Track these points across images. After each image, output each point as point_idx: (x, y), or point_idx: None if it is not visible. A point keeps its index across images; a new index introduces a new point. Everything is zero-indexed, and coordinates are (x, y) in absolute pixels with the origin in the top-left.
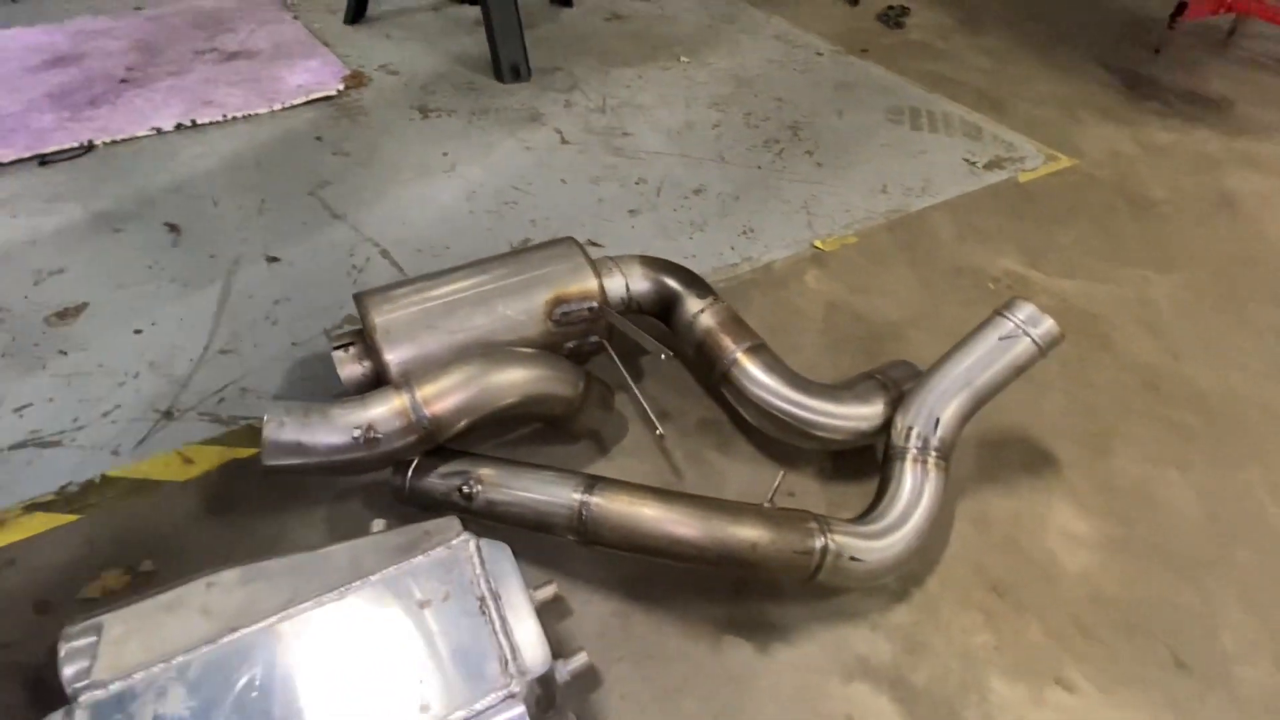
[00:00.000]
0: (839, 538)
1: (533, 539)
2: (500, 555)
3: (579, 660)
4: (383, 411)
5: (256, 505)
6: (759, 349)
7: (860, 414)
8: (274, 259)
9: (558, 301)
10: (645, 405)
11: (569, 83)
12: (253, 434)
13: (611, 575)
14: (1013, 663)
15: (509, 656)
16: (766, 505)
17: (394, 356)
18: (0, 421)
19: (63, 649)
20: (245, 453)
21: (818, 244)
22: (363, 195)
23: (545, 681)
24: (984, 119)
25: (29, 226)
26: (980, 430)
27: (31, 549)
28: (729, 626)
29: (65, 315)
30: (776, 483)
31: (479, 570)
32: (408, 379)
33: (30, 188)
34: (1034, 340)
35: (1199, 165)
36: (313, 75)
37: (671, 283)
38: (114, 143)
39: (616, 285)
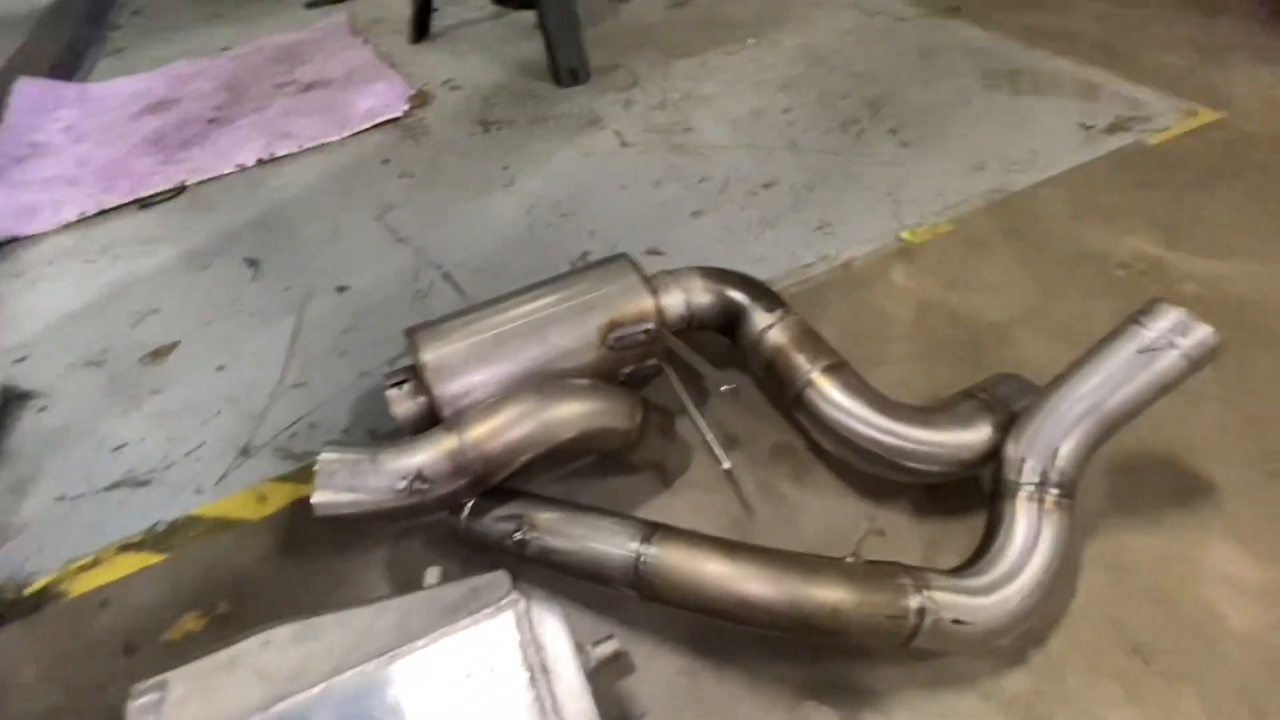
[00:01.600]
0: (939, 595)
1: (594, 586)
2: (551, 620)
3: None
4: (431, 455)
5: (322, 545)
6: (837, 368)
7: (960, 441)
8: (343, 288)
9: (612, 326)
10: (708, 436)
11: (629, 80)
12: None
13: (679, 629)
14: None
15: None
16: (850, 559)
17: (445, 392)
18: (99, 462)
19: (130, 708)
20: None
21: (905, 235)
22: (426, 217)
23: None
24: (1101, 73)
25: (129, 269)
26: (1114, 451)
27: (123, 589)
28: (810, 691)
29: (159, 354)
30: (862, 534)
31: (528, 637)
32: (458, 419)
33: (131, 230)
34: (1183, 353)
35: None
36: (380, 99)
37: (736, 295)
38: (203, 182)
39: (675, 302)
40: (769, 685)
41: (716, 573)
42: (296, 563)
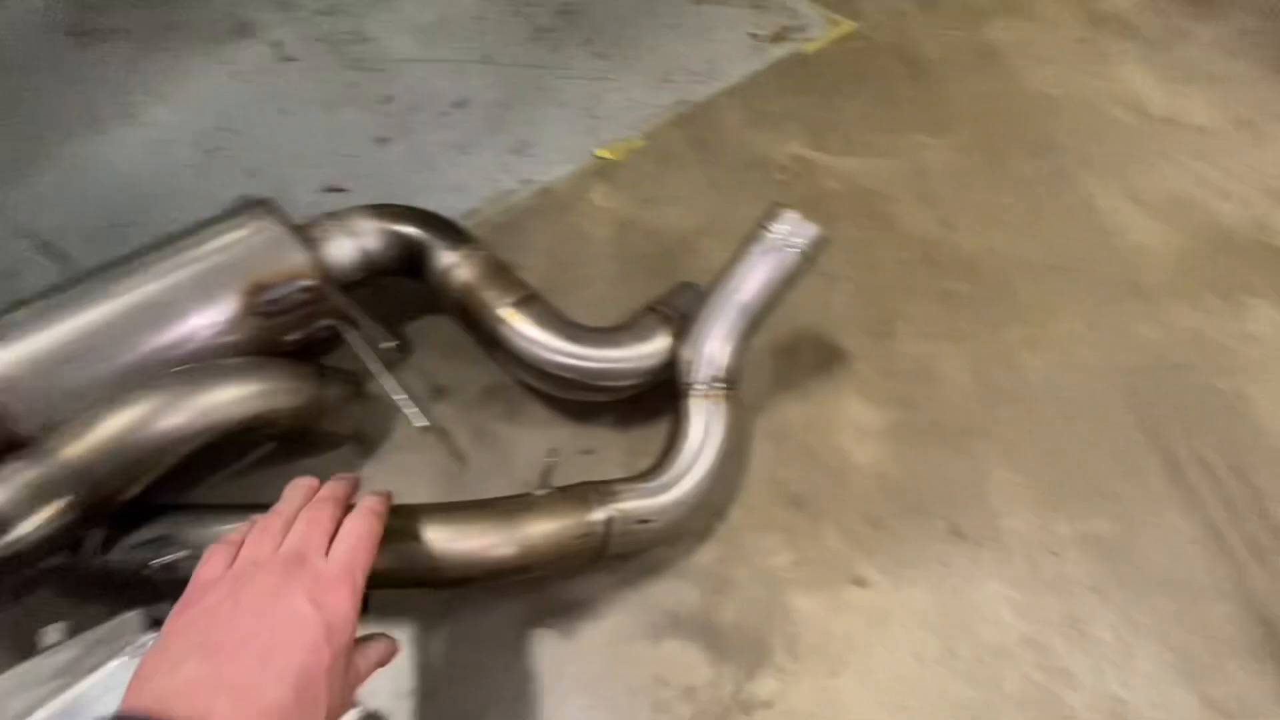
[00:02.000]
0: (624, 503)
1: None
2: None
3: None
4: (7, 494)
5: None
6: (528, 300)
7: (642, 354)
8: None
9: (259, 289)
10: (396, 396)
11: None
12: None
13: (409, 608)
14: (811, 576)
15: None
16: (540, 492)
17: (21, 414)
18: None
19: None
20: None
21: (602, 153)
22: (9, 167)
23: None
24: None
25: None
26: (775, 336)
27: None
28: (532, 620)
29: None
30: (545, 467)
31: None
32: (50, 438)
33: None
34: (801, 250)
35: (967, 17)
36: None
37: (413, 233)
38: None
39: (343, 250)
40: (493, 630)
41: (406, 546)
42: None
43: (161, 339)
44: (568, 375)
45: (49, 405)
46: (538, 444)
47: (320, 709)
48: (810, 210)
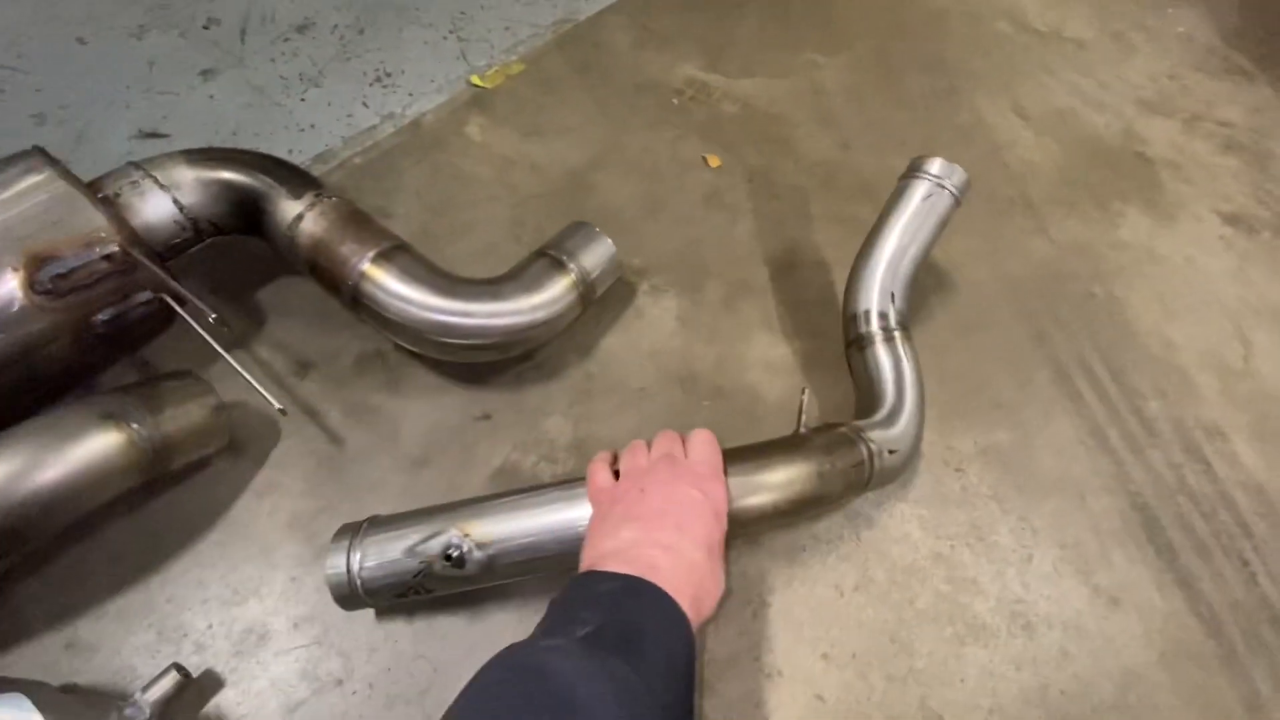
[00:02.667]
0: (873, 435)
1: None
2: (20, 708)
3: None
4: None
5: None
6: (392, 252)
7: (532, 304)
8: None
9: (40, 261)
10: (250, 380)
11: None
12: None
13: (268, 602)
14: None
15: None
16: (803, 431)
17: None
18: None
19: None
20: None
21: (476, 80)
22: None
23: None
24: None
25: None
26: (679, 278)
27: None
28: (428, 613)
29: None
30: (803, 403)
31: None
32: None
33: None
34: (951, 192)
35: None
36: None
37: (245, 180)
38: None
39: (157, 207)
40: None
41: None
42: None
43: None
44: (445, 337)
45: None
46: (427, 411)
47: (719, 573)
48: (708, 137)
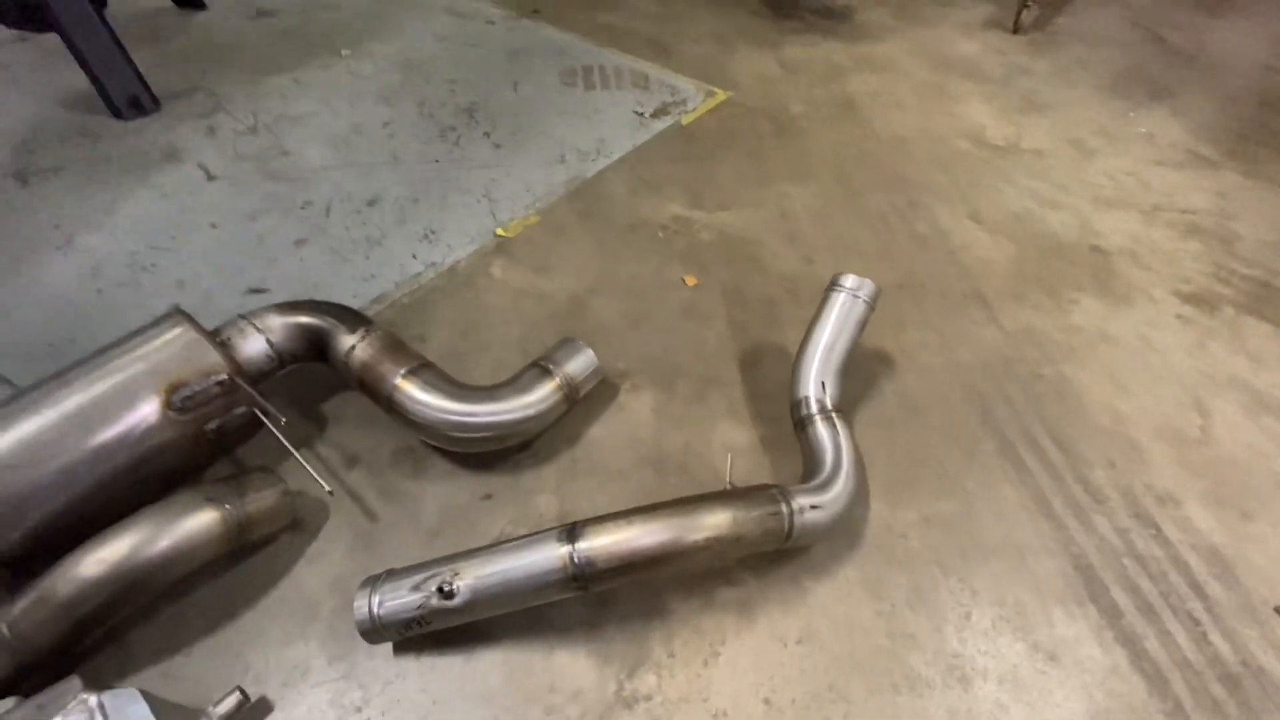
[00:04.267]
0: (797, 498)
1: (217, 641)
2: (127, 702)
3: None
4: None
5: None
6: (418, 370)
7: (525, 403)
8: None
9: (176, 388)
10: (310, 469)
11: (210, 104)
12: None
13: (308, 644)
14: (686, 580)
15: None
16: (729, 487)
17: None
18: None
19: None
20: None
21: (500, 231)
22: None
23: None
24: (651, 66)
25: None
26: (651, 377)
27: None
28: (432, 652)
29: None
30: (730, 463)
31: None
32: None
33: None
34: (865, 300)
35: (828, 75)
36: None
37: (316, 323)
38: None
39: (255, 346)
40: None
41: (642, 538)
42: None
43: (94, 442)
44: (457, 432)
45: (20, 532)
46: (441, 494)
47: None
48: (688, 261)
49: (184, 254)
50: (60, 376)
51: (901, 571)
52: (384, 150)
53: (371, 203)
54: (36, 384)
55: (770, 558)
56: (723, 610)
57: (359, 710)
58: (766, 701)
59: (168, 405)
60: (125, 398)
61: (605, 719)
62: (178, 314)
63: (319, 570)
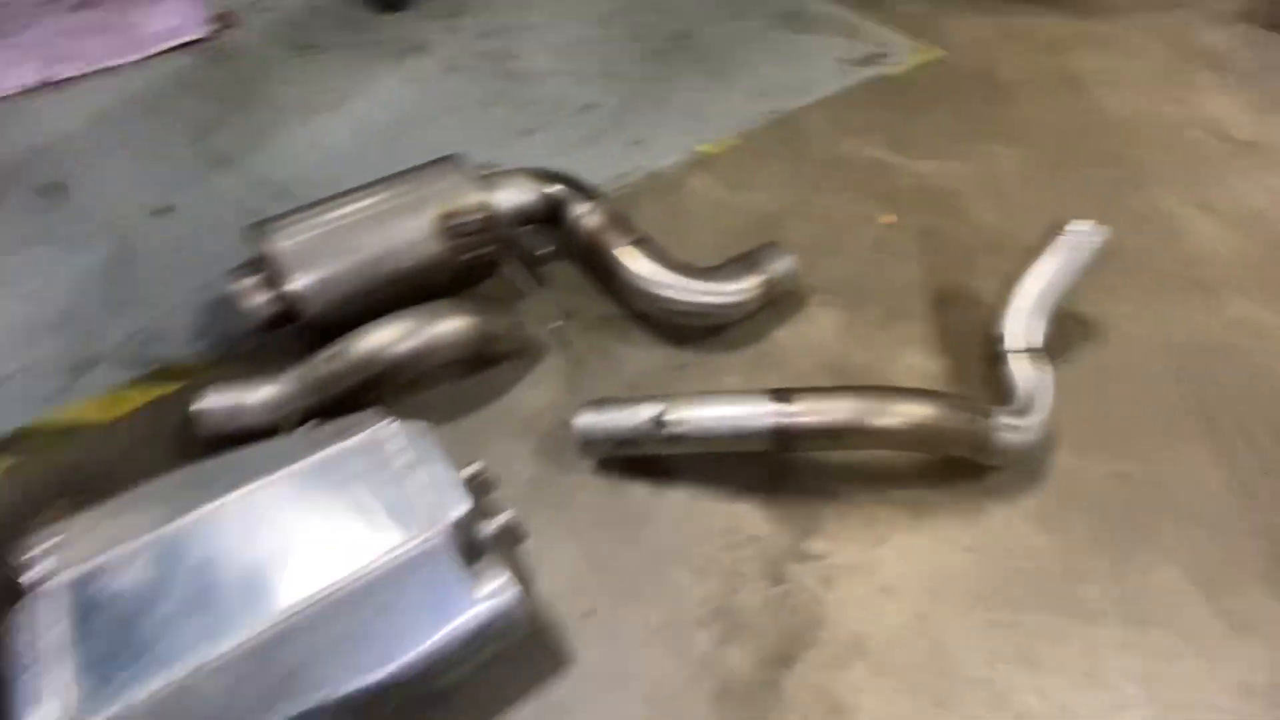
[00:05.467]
0: (996, 416)
1: (453, 430)
2: (421, 430)
3: (504, 517)
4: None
5: (184, 438)
6: (640, 242)
7: (732, 289)
8: (164, 210)
9: (448, 216)
10: (549, 304)
11: (453, 7)
12: (171, 373)
13: (523, 450)
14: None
15: (431, 505)
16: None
17: (297, 281)
18: None
19: (24, 554)
20: (166, 389)
21: (702, 148)
22: (246, 141)
23: (469, 532)
24: (860, 17)
25: None
26: (843, 297)
27: None
28: (626, 478)
29: None
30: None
31: (403, 444)
32: (332, 350)
33: None
34: (1093, 246)
35: (1050, 46)
36: (175, 19)
37: (556, 190)
38: None
39: (504, 197)
40: (596, 477)
41: (848, 413)
42: (159, 452)
43: (385, 242)
44: (669, 303)
45: (314, 283)
46: (640, 358)
47: None
48: (884, 202)
49: (429, 129)
50: (365, 188)
51: (1083, 515)
52: (600, 64)
53: (588, 107)
54: (339, 194)
55: (948, 474)
56: (895, 507)
57: (556, 491)
58: (932, 592)
59: (439, 229)
60: (411, 213)
61: (779, 563)
62: (457, 157)
63: (535, 395)
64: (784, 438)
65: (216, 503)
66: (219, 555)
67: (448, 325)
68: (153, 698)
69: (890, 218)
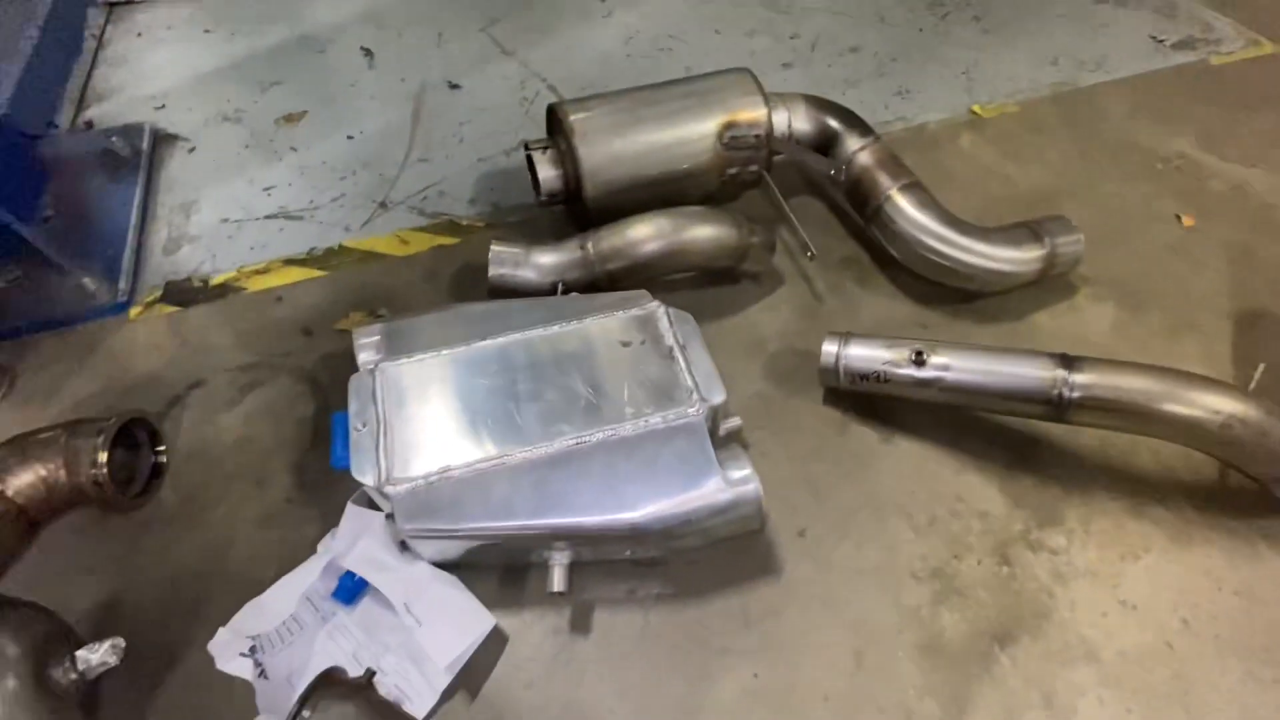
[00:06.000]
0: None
1: None
2: (687, 319)
3: (734, 421)
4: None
5: (459, 281)
6: (913, 186)
7: (1011, 257)
8: (455, 86)
9: (729, 125)
10: (801, 231)
11: None
12: (453, 227)
13: (752, 367)
14: (1125, 483)
15: (692, 387)
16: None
17: (588, 158)
18: (254, 197)
19: (357, 341)
20: (448, 240)
21: (976, 109)
22: (529, 35)
23: (715, 415)
24: None
25: (247, 44)
26: (1122, 295)
27: (293, 291)
28: (856, 418)
29: (291, 119)
30: (1257, 373)
31: (669, 326)
32: (594, 236)
33: (245, 5)
34: None
35: None
36: None
37: (834, 122)
38: None
39: (781, 119)
40: (825, 411)
41: (1142, 393)
42: (442, 290)
43: (668, 136)
44: (936, 258)
45: (602, 162)
46: (879, 306)
47: None
48: (1186, 202)
49: (692, 47)
50: (656, 86)
51: None
52: (872, 7)
53: (853, 50)
54: (634, 87)
55: (1220, 503)
56: (1152, 524)
57: (781, 412)
58: (1185, 624)
59: (720, 136)
60: (697, 116)
61: (1006, 545)
62: (746, 70)
63: (769, 319)
64: (1062, 406)
65: (515, 335)
66: (513, 379)
67: (704, 231)
68: (445, 478)
69: (1190, 220)
